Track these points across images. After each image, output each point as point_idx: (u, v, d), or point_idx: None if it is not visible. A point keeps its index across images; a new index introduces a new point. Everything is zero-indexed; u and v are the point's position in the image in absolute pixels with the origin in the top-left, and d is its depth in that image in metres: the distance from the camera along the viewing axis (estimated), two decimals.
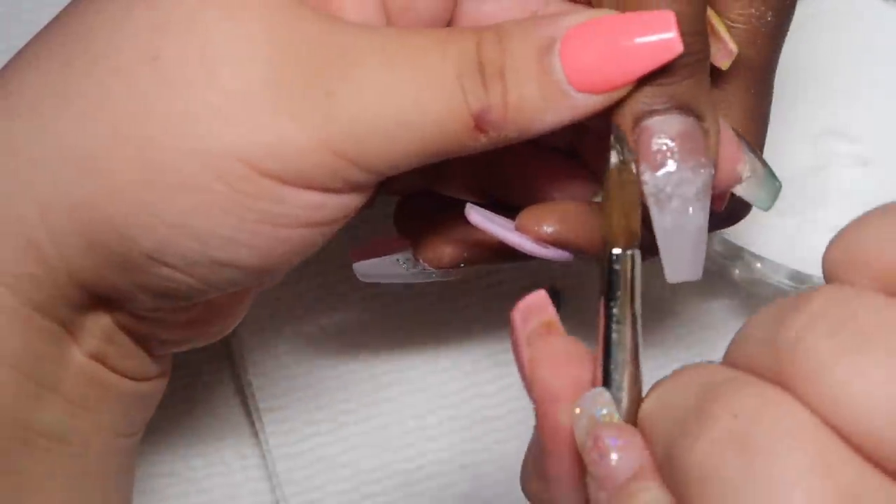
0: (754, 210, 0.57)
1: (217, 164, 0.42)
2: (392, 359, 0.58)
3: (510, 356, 0.58)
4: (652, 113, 0.42)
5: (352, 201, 0.44)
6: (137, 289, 0.44)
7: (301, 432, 0.58)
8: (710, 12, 0.45)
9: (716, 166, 0.43)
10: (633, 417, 0.38)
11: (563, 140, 0.49)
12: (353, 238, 0.53)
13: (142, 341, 0.47)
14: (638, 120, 0.42)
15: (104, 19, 0.43)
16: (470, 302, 0.59)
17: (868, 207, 0.57)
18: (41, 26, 0.45)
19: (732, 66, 0.46)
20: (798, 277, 0.56)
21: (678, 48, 0.41)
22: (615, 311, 0.39)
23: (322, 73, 0.42)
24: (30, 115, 0.43)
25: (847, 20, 0.58)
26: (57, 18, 0.45)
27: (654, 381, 0.58)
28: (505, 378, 0.58)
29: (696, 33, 0.42)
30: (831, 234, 0.57)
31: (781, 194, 0.57)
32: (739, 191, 0.45)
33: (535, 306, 0.40)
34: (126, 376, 0.47)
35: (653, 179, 0.42)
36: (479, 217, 0.46)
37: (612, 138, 0.41)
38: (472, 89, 0.42)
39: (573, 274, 0.59)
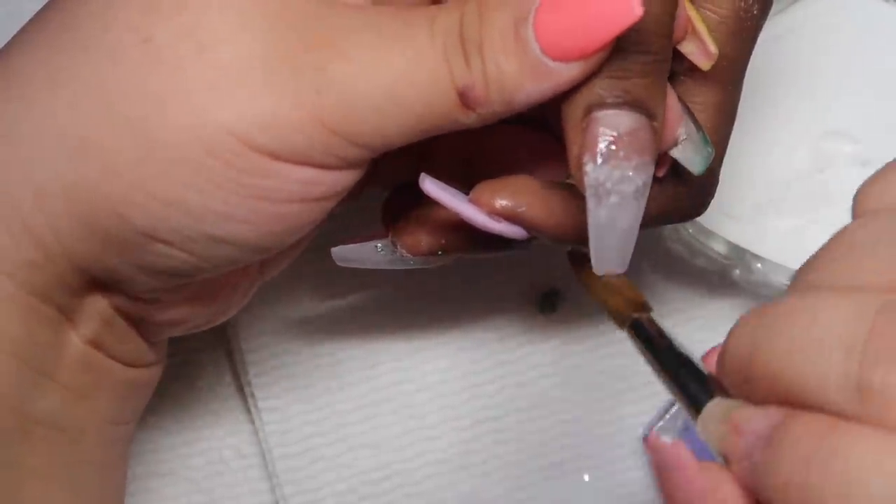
0: (754, 210, 0.57)
1: (209, 139, 0.42)
2: (392, 359, 0.58)
3: (510, 356, 0.59)
4: (603, 105, 0.42)
5: (346, 177, 0.44)
6: (136, 268, 0.44)
7: (301, 432, 0.58)
8: (692, 11, 0.45)
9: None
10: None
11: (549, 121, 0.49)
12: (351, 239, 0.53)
13: (138, 324, 0.47)
14: (589, 110, 0.42)
15: (96, 4, 0.43)
16: (470, 302, 0.59)
17: None
18: None
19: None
20: None
21: (638, 11, 0.41)
22: (661, 365, 0.41)
23: (313, 48, 0.42)
24: (23, 100, 0.43)
25: (847, 20, 0.59)
26: (50, 4, 0.45)
27: (650, 383, 0.58)
28: (505, 378, 0.58)
29: (658, 34, 0.42)
30: (831, 235, 0.58)
31: (782, 195, 0.58)
32: (675, 153, 0.45)
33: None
34: (122, 362, 0.47)
35: (594, 171, 0.42)
36: (432, 186, 0.46)
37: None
38: (457, 65, 0.42)
39: (573, 274, 0.59)
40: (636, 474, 0.58)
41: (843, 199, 0.58)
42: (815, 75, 0.58)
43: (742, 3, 0.46)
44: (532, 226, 0.46)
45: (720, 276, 0.58)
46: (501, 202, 0.46)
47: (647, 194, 0.42)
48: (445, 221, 0.48)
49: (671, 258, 0.59)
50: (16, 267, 0.43)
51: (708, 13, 0.46)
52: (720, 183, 0.48)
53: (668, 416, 0.56)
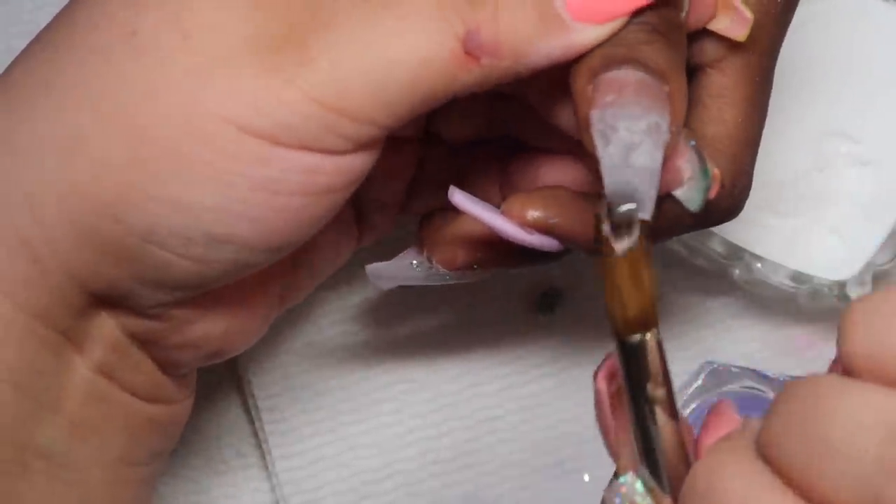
0: (754, 210, 0.57)
1: (200, 127, 0.41)
2: (392, 358, 0.58)
3: (510, 356, 0.59)
4: (608, 66, 0.41)
5: (352, 164, 0.42)
6: (136, 281, 0.42)
7: (301, 432, 0.57)
8: None
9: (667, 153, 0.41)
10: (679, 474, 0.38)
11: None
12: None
13: (152, 350, 0.45)
14: (594, 73, 0.41)
15: (85, 5, 0.43)
16: (469, 302, 0.59)
17: (868, 208, 0.58)
18: (41, 26, 0.45)
19: (738, 52, 0.45)
20: (798, 278, 0.56)
21: None
22: (638, 397, 0.38)
23: (300, 23, 0.41)
24: (20, 109, 0.42)
25: (847, 20, 0.58)
26: (55, 16, 0.44)
27: None
28: (505, 378, 0.58)
29: (664, 3, 0.42)
30: (832, 235, 0.58)
31: (782, 195, 0.58)
32: (678, 193, 0.44)
33: (615, 370, 0.39)
34: (136, 395, 0.45)
35: (599, 115, 0.40)
36: (461, 198, 0.45)
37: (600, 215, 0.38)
38: (457, 12, 0.41)
39: (573, 274, 0.59)
40: None
41: (843, 200, 0.58)
42: (815, 75, 0.58)
43: None
44: (565, 236, 0.45)
45: (720, 276, 0.58)
46: (534, 213, 0.45)
47: (662, 140, 0.40)
48: (480, 236, 0.47)
49: (671, 258, 0.59)
50: (12, 284, 0.42)
51: None
52: None
53: None
